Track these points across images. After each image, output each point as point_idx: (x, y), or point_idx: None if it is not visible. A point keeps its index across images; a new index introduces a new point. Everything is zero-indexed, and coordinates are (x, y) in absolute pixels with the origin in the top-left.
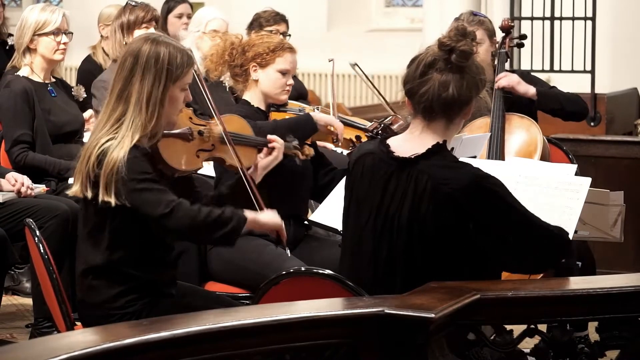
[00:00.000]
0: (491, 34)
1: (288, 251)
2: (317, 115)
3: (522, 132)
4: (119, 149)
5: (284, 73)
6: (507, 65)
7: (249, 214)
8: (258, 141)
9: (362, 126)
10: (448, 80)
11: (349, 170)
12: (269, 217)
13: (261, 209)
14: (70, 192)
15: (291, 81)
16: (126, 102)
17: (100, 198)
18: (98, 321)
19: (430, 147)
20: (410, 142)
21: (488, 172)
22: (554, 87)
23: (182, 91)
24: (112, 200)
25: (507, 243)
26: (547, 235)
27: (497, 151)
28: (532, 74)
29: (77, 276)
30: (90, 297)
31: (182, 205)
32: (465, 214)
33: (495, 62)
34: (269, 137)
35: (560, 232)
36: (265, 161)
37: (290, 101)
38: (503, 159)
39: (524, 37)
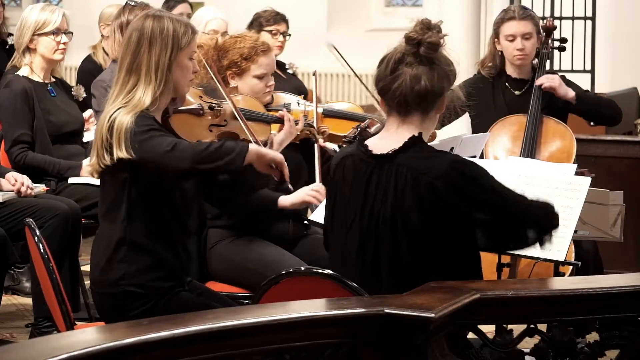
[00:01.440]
0: (538, 30)
1: (291, 187)
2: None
3: (557, 138)
4: (127, 113)
5: (261, 77)
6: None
7: (254, 145)
8: (270, 117)
9: (354, 115)
10: (419, 73)
11: (330, 175)
12: (272, 151)
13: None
14: (88, 165)
15: (271, 81)
16: (137, 74)
17: (115, 156)
18: (112, 300)
19: (406, 140)
20: (387, 139)
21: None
22: (587, 90)
23: (190, 60)
24: (124, 154)
25: (494, 226)
26: (534, 213)
27: (531, 151)
28: (558, 73)
29: (94, 260)
30: (107, 275)
31: (183, 142)
32: (448, 203)
33: (535, 62)
34: (280, 112)
35: (546, 206)
36: (279, 136)
37: (282, 94)
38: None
39: (564, 40)
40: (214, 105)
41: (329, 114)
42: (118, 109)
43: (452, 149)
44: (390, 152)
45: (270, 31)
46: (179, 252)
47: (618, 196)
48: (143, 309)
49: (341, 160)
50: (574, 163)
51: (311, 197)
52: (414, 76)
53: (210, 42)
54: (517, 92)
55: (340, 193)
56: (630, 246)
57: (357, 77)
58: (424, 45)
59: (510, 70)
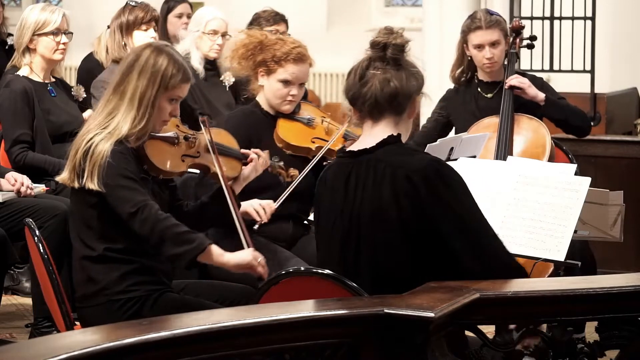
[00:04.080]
0: (506, 33)
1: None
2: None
3: (530, 133)
4: (106, 140)
5: (285, 83)
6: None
7: (215, 248)
8: (240, 154)
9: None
10: (388, 76)
11: (317, 187)
12: (237, 256)
13: (237, 217)
14: (58, 178)
15: (295, 91)
16: (121, 97)
17: (85, 185)
18: (100, 311)
19: (384, 138)
20: (363, 141)
21: (487, 171)
22: (562, 98)
23: (170, 103)
24: (95, 187)
25: (447, 241)
26: (491, 245)
27: (504, 151)
28: (535, 76)
29: (75, 273)
30: (90, 287)
31: (149, 208)
32: (419, 198)
33: (505, 62)
34: (247, 151)
35: (508, 256)
36: (245, 171)
37: (306, 104)
38: None
39: (534, 38)
40: (189, 136)
41: (348, 138)
42: (96, 134)
43: (452, 149)
44: (367, 148)
45: (269, 31)
46: (158, 259)
47: (618, 196)
48: (131, 313)
49: (324, 173)
50: (572, 163)
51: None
52: (383, 79)
53: (258, 36)
54: (489, 95)
55: (323, 200)
56: (630, 246)
57: None
58: (390, 47)
59: (481, 75)
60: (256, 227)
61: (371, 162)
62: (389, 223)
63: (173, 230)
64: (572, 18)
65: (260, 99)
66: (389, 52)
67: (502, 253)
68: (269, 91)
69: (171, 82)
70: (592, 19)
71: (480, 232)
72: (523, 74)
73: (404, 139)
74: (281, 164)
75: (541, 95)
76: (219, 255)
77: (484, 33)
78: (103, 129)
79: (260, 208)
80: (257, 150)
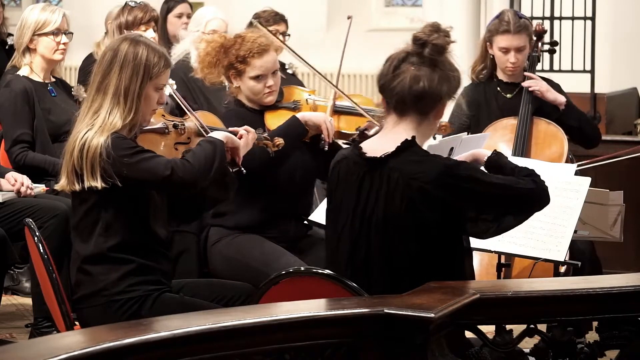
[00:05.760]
0: (531, 36)
1: (243, 170)
2: (306, 116)
3: (549, 138)
4: (98, 135)
5: (257, 78)
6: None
7: (224, 134)
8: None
9: (364, 110)
10: (420, 74)
11: (329, 177)
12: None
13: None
14: (57, 186)
15: (270, 82)
16: (104, 94)
17: (86, 185)
18: (99, 312)
19: (399, 144)
20: (382, 140)
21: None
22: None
23: (157, 91)
24: (99, 184)
25: (495, 216)
26: (529, 193)
27: (521, 154)
28: (553, 81)
29: (73, 274)
30: (88, 288)
31: (177, 161)
32: (443, 205)
33: (525, 65)
34: (236, 129)
35: (537, 183)
36: None
37: (294, 89)
38: None
39: (555, 43)
40: (177, 123)
41: (338, 111)
42: (87, 131)
43: (452, 148)
44: (382, 156)
45: (270, 31)
46: (157, 259)
47: (618, 196)
48: (130, 314)
49: (336, 164)
50: (574, 163)
51: (327, 125)
52: (415, 76)
53: (217, 39)
54: (508, 95)
55: (335, 196)
56: (630, 246)
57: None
58: (429, 46)
59: (501, 75)
60: (326, 147)
61: (385, 171)
62: (402, 230)
63: (201, 155)
64: (572, 18)
65: (242, 98)
66: (426, 50)
67: (530, 188)
68: (246, 90)
69: (154, 70)
70: (592, 19)
71: (509, 190)
72: (543, 78)
73: (425, 140)
74: (265, 134)
75: (562, 99)
76: (230, 136)
77: (512, 38)
78: (91, 126)
79: (329, 124)
80: (246, 126)
